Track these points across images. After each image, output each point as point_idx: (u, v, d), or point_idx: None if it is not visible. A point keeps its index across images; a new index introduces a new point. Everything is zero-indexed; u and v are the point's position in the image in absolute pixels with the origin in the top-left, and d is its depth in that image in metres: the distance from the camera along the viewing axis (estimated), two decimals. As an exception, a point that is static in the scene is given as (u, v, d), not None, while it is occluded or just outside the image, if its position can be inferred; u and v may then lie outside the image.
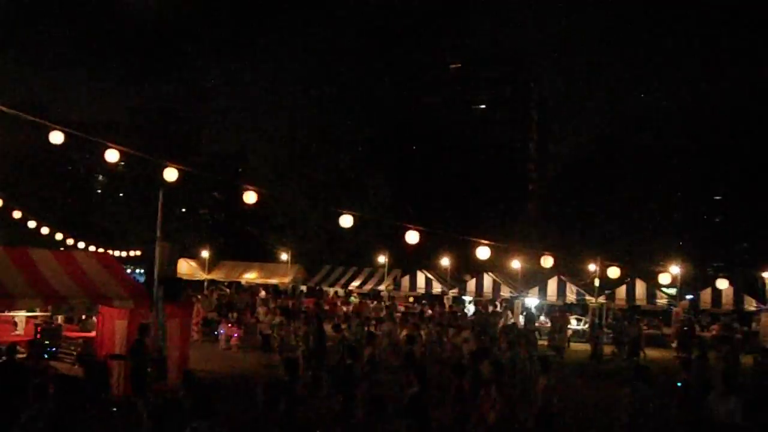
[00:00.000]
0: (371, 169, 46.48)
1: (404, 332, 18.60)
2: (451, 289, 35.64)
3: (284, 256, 40.21)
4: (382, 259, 37.90)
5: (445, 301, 35.01)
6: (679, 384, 12.64)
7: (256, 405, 11.07)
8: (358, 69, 76.24)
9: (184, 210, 47.13)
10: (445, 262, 35.12)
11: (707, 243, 52.68)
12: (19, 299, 11.91)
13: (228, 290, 37.38)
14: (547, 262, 18.44)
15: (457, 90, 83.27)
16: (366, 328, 20.07)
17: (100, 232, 43.20)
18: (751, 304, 31.68)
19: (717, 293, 32.09)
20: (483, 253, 16.76)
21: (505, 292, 34.83)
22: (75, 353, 13.94)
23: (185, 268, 38.35)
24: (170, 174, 15.39)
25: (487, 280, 35.07)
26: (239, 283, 40.39)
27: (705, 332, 29.97)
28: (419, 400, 9.43)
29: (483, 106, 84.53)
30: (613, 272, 19.37)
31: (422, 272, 36.67)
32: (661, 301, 32.79)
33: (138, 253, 40.16)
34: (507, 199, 64.85)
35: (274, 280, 40.36)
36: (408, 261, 40.87)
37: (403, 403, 9.83)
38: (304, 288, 40.53)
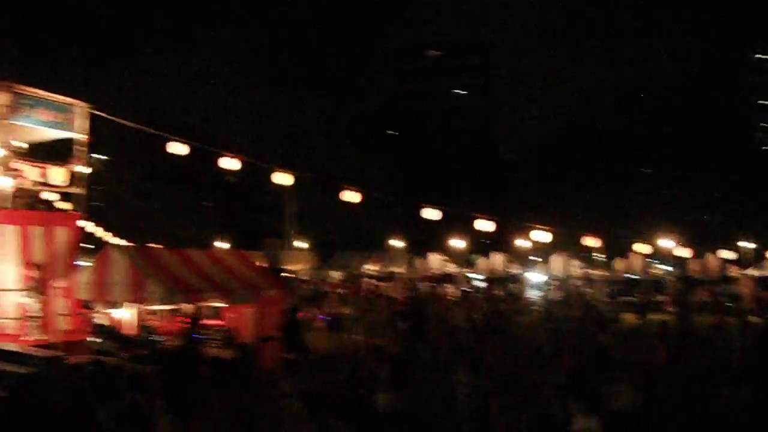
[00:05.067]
0: (372, 156, 48.86)
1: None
2: (464, 268, 38.39)
3: (302, 244, 42.32)
4: (393, 242, 40.24)
5: (458, 279, 37.71)
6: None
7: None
8: (332, 56, 77.46)
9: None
10: (456, 243, 37.58)
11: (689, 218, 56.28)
12: (205, 294, 14.27)
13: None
14: (590, 241, 21.18)
15: (436, 77, 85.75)
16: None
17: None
18: (736, 272, 34.92)
19: (705, 263, 35.35)
20: (543, 236, 19.40)
21: (514, 269, 37.78)
22: (220, 339, 16.25)
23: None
24: (284, 179, 17.83)
25: (497, 258, 37.94)
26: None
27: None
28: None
29: (464, 92, 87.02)
30: (643, 248, 21.94)
31: (435, 254, 39.28)
32: (655, 271, 36.00)
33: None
34: (488, 181, 67.48)
35: (294, 267, 42.40)
36: (416, 243, 43.34)
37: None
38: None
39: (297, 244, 42.80)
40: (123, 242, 36.52)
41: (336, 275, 42.43)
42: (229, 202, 48.99)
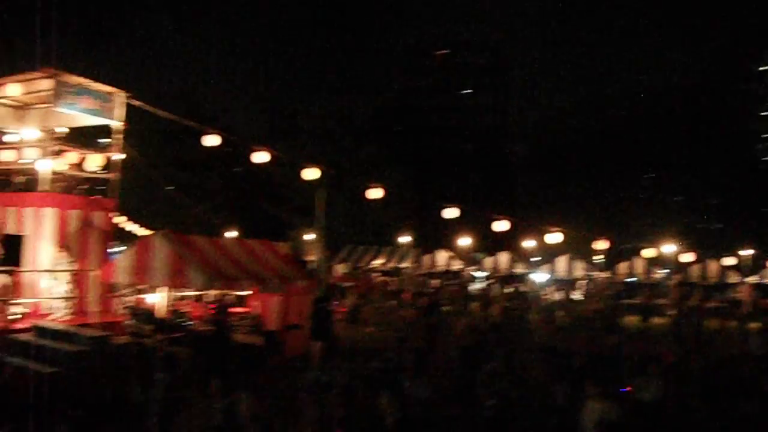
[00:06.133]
0: (383, 154, 49.48)
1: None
2: (469, 266, 39.12)
3: (310, 236, 42.67)
4: (402, 239, 40.79)
5: (463, 276, 38.39)
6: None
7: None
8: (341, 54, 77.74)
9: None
10: (464, 241, 38.27)
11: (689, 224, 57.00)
12: (241, 282, 15.01)
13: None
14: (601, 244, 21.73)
15: (443, 76, 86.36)
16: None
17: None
18: (735, 278, 35.58)
19: (705, 269, 35.99)
20: (554, 237, 19.90)
21: (519, 269, 38.45)
22: (248, 325, 17.06)
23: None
24: (311, 174, 18.28)
25: (503, 257, 38.63)
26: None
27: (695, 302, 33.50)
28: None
29: (470, 91, 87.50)
30: (648, 252, 22.51)
31: (442, 251, 39.96)
32: (657, 275, 36.65)
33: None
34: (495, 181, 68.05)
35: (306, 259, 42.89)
36: (423, 240, 43.89)
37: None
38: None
39: (307, 237, 43.18)
40: (136, 227, 37.05)
41: (340, 268, 43.05)
42: (240, 193, 49.51)
